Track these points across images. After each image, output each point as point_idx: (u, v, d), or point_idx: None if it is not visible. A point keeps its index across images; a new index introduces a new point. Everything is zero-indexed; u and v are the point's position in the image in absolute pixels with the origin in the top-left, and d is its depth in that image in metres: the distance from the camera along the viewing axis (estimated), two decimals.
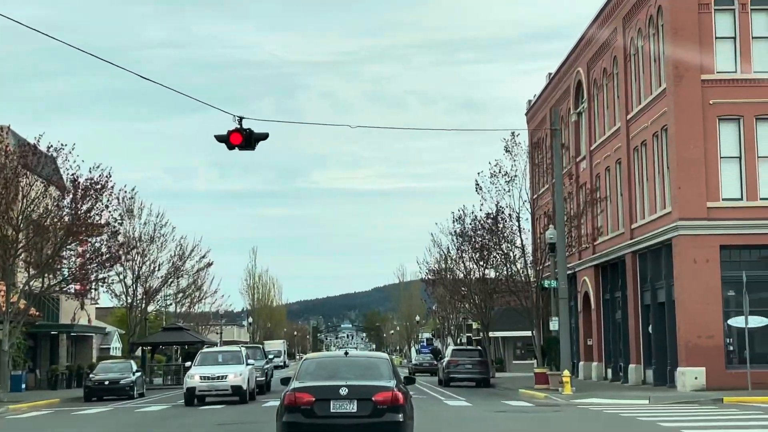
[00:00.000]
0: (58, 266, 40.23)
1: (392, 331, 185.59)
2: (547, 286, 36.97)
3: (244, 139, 22.68)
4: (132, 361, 44.27)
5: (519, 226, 44.55)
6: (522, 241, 45.65)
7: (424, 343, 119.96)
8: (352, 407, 15.51)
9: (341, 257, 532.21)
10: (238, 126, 22.58)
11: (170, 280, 58.10)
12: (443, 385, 46.41)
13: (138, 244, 55.22)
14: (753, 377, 32.14)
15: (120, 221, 44.55)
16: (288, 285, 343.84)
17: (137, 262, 55.22)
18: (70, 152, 36.76)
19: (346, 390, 15.50)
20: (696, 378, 33.01)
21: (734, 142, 34.42)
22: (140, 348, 55.78)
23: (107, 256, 40.47)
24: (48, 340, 54.03)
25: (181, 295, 62.17)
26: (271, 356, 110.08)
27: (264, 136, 22.90)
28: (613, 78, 43.06)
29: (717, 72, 34.46)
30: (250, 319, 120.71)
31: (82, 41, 29.73)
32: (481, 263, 50.16)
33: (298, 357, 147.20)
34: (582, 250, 45.19)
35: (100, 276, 41.11)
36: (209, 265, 63.73)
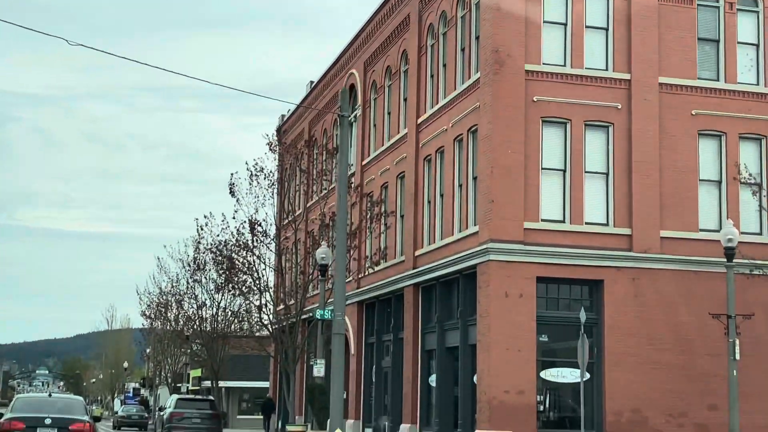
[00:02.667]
0: None
1: (94, 380, 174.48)
2: (320, 317, 28.95)
3: None
4: None
5: (279, 243, 36.49)
6: (282, 265, 37.41)
7: (130, 394, 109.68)
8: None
9: (42, 300, 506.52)
10: None
11: None
12: None
13: None
14: None
15: None
16: None
17: None
18: None
19: (50, 420, 21.73)
20: None
21: (559, 150, 28.25)
22: None
23: None
24: None
25: None
26: None
27: None
28: (399, 77, 36.07)
29: (544, 62, 28.25)
30: None
31: None
32: (226, 288, 41.14)
33: None
34: (361, 277, 37.38)
35: None
36: None
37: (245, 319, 47.85)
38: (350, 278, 34.93)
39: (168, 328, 60.91)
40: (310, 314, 34.69)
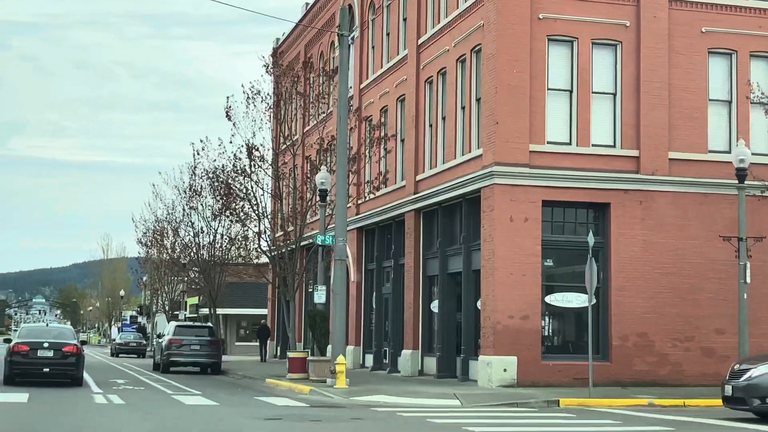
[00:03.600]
0: None
1: (90, 308, 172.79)
2: (322, 242, 28.39)
3: None
4: None
5: (277, 169, 35.58)
6: (281, 190, 36.43)
7: (127, 321, 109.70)
8: (50, 354, 27.76)
9: (39, 230, 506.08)
10: None
11: None
12: (161, 370, 36.98)
13: None
14: (575, 371, 25.90)
15: None
16: None
17: None
18: None
19: (47, 344, 27.92)
20: (505, 370, 25.87)
21: (566, 70, 27.42)
22: None
23: None
24: None
25: None
26: None
27: None
28: None
29: None
30: None
31: None
32: (224, 215, 40.13)
33: None
34: (360, 203, 36.68)
35: None
36: None
37: (243, 246, 47.29)
38: (350, 204, 34.23)
39: (164, 256, 60.33)
40: (310, 240, 34.11)
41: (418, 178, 32.27)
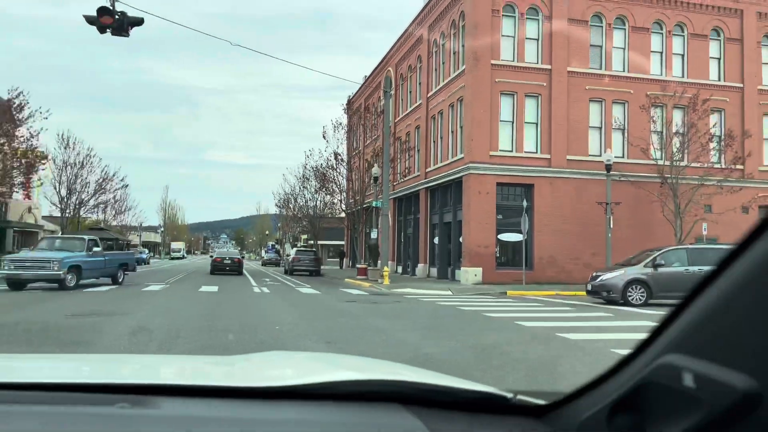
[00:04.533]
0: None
1: (251, 240, 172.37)
2: (375, 205, 27.74)
3: (116, 21, 11.75)
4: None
5: (350, 166, 35.00)
6: (352, 177, 35.80)
7: (270, 247, 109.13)
8: (228, 261, 32.32)
9: (224, 198, 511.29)
10: (110, 6, 11.65)
11: (97, 195, 44.36)
12: (288, 274, 36.48)
13: (71, 168, 41.57)
14: (513, 276, 24.81)
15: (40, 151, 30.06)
16: (189, 211, 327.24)
17: (70, 181, 41.58)
18: None
19: (228, 258, 32.61)
20: (475, 275, 24.92)
21: (509, 110, 26.19)
22: None
23: (25, 165, 27.00)
24: None
25: (102, 206, 48.08)
26: (177, 252, 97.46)
27: (139, 21, 11.97)
28: (416, 70, 33.91)
29: (502, 59, 26.01)
30: (162, 228, 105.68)
31: None
32: (322, 191, 39.54)
33: (195, 253, 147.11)
34: (395, 184, 35.95)
35: (19, 181, 27.31)
36: (125, 186, 50.08)
37: (330, 208, 46.65)
38: (390, 185, 33.43)
39: (289, 213, 59.68)
40: (367, 204, 33.46)
41: (427, 170, 31.41)
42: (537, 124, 26.32)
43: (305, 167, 44.09)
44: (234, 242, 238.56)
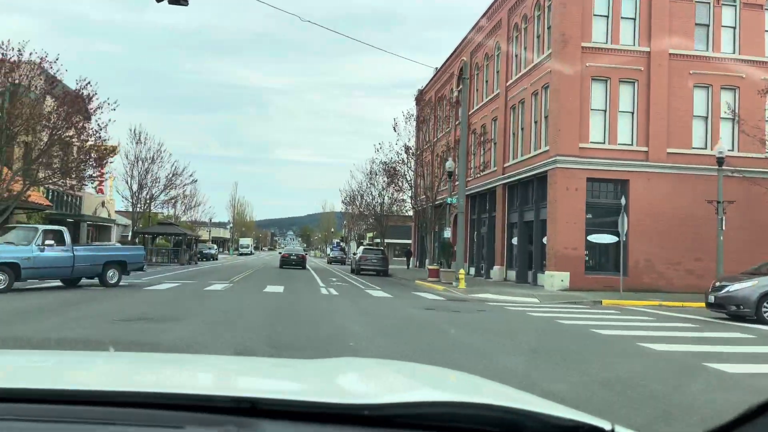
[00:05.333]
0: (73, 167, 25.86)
1: (316, 237, 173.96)
2: (449, 202, 25.64)
3: None
4: (116, 244, 30.63)
5: (421, 161, 32.81)
6: (423, 172, 33.64)
7: (335, 245, 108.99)
8: (295, 257, 37.83)
9: (290, 196, 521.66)
10: None
11: (167, 190, 44.38)
12: (355, 273, 34.98)
13: (142, 163, 41.73)
14: (604, 282, 22.23)
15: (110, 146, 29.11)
16: (257, 207, 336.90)
17: (140, 176, 41.74)
18: (55, 61, 23.05)
19: (294, 254, 38.44)
20: (562, 280, 22.49)
21: (602, 97, 23.53)
22: (141, 235, 42.74)
23: (95, 158, 26.41)
24: (71, 226, 39.78)
25: (173, 201, 48.16)
26: (245, 248, 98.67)
27: None
28: (494, 58, 31.56)
29: (593, 41, 23.39)
30: (231, 224, 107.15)
31: None
32: (391, 187, 37.61)
33: (262, 249, 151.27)
34: (468, 180, 33.50)
35: (87, 174, 26.79)
36: (194, 181, 49.74)
37: (399, 205, 44.92)
38: (466, 179, 31.03)
39: (355, 211, 58.50)
40: (439, 201, 31.43)
41: (505, 165, 29.05)
42: (633, 113, 23.54)
43: (373, 162, 42.58)
44: (300, 239, 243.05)
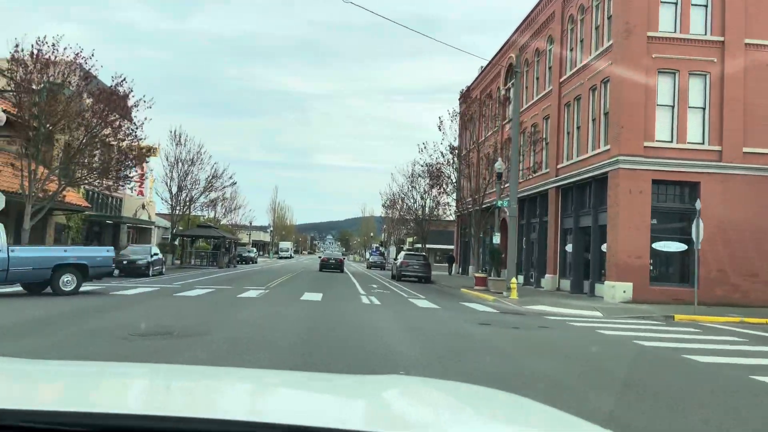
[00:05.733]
0: (111, 169, 25.13)
1: (355, 242, 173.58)
2: (500, 205, 23.88)
3: None
4: (153, 246, 29.98)
5: (467, 161, 30.83)
6: (469, 174, 31.70)
7: (374, 249, 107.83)
8: (333, 261, 40.50)
9: (328, 200, 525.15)
10: None
11: (207, 192, 43.86)
12: (395, 279, 33.53)
13: (182, 165, 41.29)
14: (670, 294, 20.18)
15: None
16: (297, 211, 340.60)
17: (180, 178, 41.29)
18: (90, 57, 22.33)
19: (332, 258, 40.67)
20: (624, 291, 20.51)
21: (669, 92, 21.44)
22: (180, 237, 42.31)
23: (132, 157, 25.63)
24: (110, 228, 39.54)
25: (212, 203, 47.55)
26: (285, 252, 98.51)
27: None
28: (545, 54, 29.66)
29: (660, 30, 21.35)
30: (271, 228, 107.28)
31: None
32: (434, 189, 35.71)
33: (302, 252, 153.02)
34: (520, 182, 31.40)
35: (123, 174, 26.04)
36: (234, 183, 49.06)
37: (444, 208, 43.37)
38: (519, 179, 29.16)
39: (394, 215, 57.14)
40: (485, 204, 29.71)
41: (558, 166, 27.14)
42: (704, 108, 21.38)
43: (414, 165, 41.04)
44: (339, 243, 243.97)
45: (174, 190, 40.94)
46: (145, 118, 24.07)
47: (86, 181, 23.99)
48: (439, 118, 32.37)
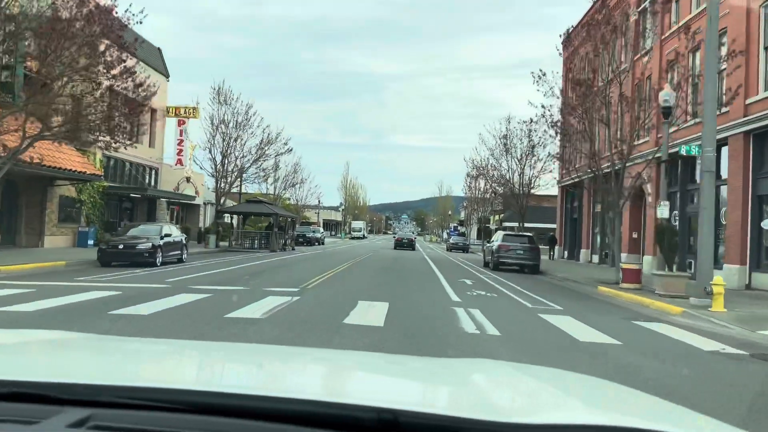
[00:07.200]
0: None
1: (431, 221, 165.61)
2: (686, 153, 15.17)
3: None
4: (167, 225, 22.75)
5: (605, 99, 20.79)
6: (609, 117, 21.36)
7: (452, 229, 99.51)
8: (406, 240, 46.69)
9: (405, 180, 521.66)
10: None
11: (258, 161, 36.97)
12: (492, 268, 25.24)
13: (226, 129, 34.61)
14: None
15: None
16: (372, 192, 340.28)
17: (225, 144, 34.64)
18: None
19: (405, 238, 47.10)
20: None
21: None
22: (226, 215, 35.92)
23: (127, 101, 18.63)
24: (146, 204, 33.34)
25: (264, 175, 40.45)
26: (357, 232, 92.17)
27: None
28: None
29: None
30: (343, 207, 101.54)
31: None
32: (556, 139, 25.60)
33: (377, 233, 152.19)
34: (673, 131, 20.87)
35: (124, 124, 19.00)
36: (290, 150, 41.15)
37: (542, 176, 34.71)
38: (690, 119, 19.55)
39: (476, 192, 48.60)
40: (635, 161, 20.65)
41: (748, 101, 17.79)
42: None
43: (509, 121, 32.11)
44: (414, 222, 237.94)
45: (218, 158, 34.35)
46: (135, 39, 16.91)
47: (60, 135, 17.01)
48: (556, 47, 22.70)
